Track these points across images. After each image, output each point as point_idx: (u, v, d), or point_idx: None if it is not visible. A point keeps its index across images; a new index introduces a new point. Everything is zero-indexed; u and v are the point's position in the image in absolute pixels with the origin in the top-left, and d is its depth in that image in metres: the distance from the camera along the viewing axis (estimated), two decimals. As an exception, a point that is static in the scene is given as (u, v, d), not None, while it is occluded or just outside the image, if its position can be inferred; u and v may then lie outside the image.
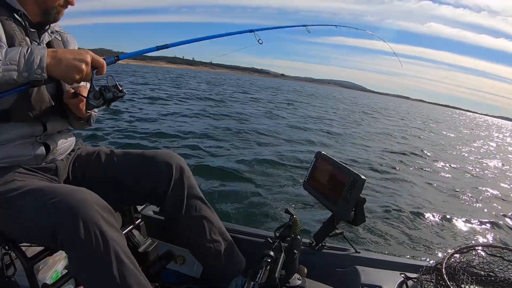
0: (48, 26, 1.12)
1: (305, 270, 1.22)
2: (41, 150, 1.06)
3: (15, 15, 1.01)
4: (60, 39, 1.20)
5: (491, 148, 13.61)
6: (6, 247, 0.95)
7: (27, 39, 1.03)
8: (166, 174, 1.19)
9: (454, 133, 18.73)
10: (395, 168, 5.98)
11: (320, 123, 11.86)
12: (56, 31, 1.18)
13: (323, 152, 1.35)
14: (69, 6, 1.11)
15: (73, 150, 1.25)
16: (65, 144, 1.18)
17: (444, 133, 17.11)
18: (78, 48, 1.31)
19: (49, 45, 1.12)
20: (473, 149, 12.13)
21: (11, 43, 0.96)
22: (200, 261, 1.29)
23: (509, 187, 6.30)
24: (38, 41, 1.08)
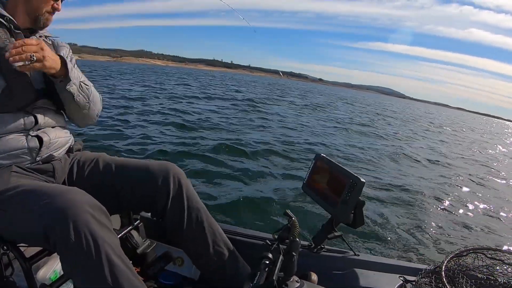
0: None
1: (316, 277, 1.22)
2: (35, 142, 1.08)
3: (1, 20, 1.06)
4: (51, 43, 1.23)
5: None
6: (5, 247, 0.95)
7: (13, 39, 1.07)
8: (164, 188, 1.18)
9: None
10: (398, 172, 5.94)
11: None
12: (46, 36, 1.22)
13: (322, 154, 1.35)
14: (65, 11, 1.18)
15: (70, 151, 1.26)
16: (60, 139, 1.19)
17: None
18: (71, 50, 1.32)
19: None
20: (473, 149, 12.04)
21: None
22: (203, 271, 1.28)
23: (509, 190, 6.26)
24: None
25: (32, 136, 1.08)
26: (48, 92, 1.15)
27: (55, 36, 1.28)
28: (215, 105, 12.93)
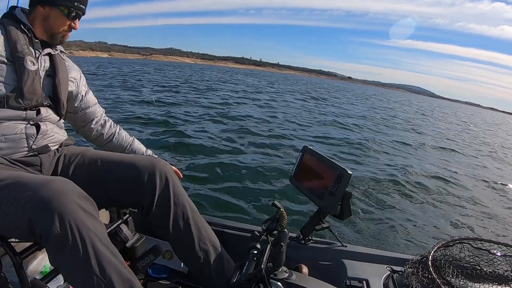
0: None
1: (307, 269, 1.22)
2: (33, 129, 1.13)
3: (22, 26, 1.15)
4: (64, 59, 1.31)
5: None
6: None
7: (30, 48, 1.15)
8: (150, 184, 1.17)
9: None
10: (386, 162, 5.89)
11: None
12: (61, 51, 1.30)
13: (309, 147, 1.36)
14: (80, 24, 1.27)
15: (61, 146, 1.27)
16: (57, 135, 1.23)
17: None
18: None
19: (51, 57, 1.23)
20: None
21: (14, 46, 1.10)
22: (190, 268, 1.27)
23: (496, 181, 6.24)
24: (40, 51, 1.19)
25: (31, 124, 1.13)
26: (53, 100, 1.22)
27: (68, 53, 1.37)
28: (203, 99, 12.69)
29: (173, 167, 1.52)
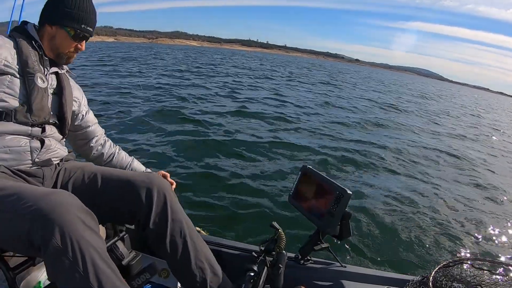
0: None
1: None
2: (37, 143, 1.14)
3: (33, 42, 1.17)
4: (69, 78, 1.34)
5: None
6: None
7: (40, 66, 1.17)
8: (146, 201, 1.16)
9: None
10: (384, 179, 5.73)
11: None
12: (67, 71, 1.33)
13: (308, 166, 1.35)
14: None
15: (62, 160, 1.29)
16: (59, 150, 1.25)
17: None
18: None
19: (57, 76, 1.26)
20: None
21: (25, 60, 1.12)
22: (184, 286, 1.24)
23: (500, 199, 6.07)
24: (48, 68, 1.21)
25: (36, 139, 1.15)
26: (59, 119, 1.25)
27: (74, 74, 1.40)
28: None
29: (169, 178, 1.53)
